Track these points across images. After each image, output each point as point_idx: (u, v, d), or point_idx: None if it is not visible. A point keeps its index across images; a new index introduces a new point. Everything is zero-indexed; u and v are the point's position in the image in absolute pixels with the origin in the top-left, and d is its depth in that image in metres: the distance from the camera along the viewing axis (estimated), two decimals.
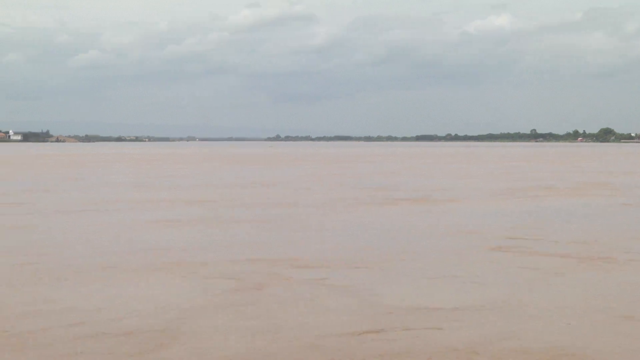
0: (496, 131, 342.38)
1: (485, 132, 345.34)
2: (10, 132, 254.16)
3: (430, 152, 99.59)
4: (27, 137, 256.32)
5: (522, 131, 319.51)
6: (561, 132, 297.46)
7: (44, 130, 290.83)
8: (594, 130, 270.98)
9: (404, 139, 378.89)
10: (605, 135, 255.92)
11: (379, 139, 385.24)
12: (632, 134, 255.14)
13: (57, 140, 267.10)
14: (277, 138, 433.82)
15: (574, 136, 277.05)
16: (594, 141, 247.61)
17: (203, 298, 8.27)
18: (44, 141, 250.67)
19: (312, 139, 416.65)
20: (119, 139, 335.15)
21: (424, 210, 18.41)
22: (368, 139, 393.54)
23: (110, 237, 13.34)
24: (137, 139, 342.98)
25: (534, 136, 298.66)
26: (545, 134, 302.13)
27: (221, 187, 27.44)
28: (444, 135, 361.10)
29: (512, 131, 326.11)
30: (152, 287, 8.88)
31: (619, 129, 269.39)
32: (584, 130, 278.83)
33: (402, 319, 7.39)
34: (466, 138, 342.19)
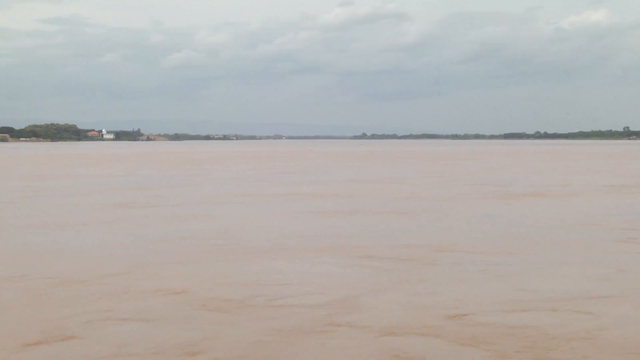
0: (587, 129, 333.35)
1: (575, 130, 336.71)
2: (103, 131, 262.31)
3: (524, 150, 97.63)
4: (119, 135, 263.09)
5: (614, 129, 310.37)
6: None
7: (135, 129, 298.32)
8: None
9: (492, 136, 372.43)
10: None
11: (466, 136, 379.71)
12: None
13: (148, 139, 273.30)
14: (364, 136, 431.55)
15: None
16: None
17: (368, 277, 9.29)
18: (134, 139, 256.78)
19: (398, 137, 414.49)
20: (207, 138, 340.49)
21: (545, 204, 18.91)
22: (455, 137, 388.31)
23: (270, 225, 14.63)
24: (224, 138, 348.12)
25: (627, 134, 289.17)
26: (639, 131, 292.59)
27: (343, 182, 28.34)
28: (532, 133, 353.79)
29: (603, 129, 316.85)
30: (324, 266, 10.03)
31: None
32: None
33: (537, 304, 7.85)
34: (555, 136, 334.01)
